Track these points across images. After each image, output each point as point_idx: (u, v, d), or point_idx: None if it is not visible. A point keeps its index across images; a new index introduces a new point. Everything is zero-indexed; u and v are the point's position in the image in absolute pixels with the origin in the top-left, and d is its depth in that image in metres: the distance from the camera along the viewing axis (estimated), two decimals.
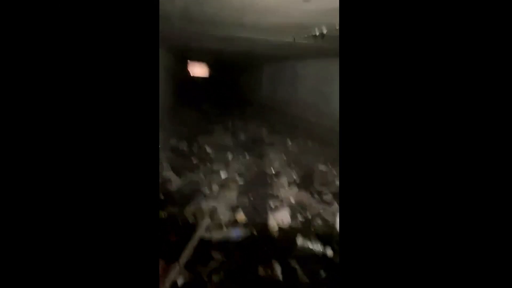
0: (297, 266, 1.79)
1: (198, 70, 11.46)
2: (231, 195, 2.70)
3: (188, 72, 11.04)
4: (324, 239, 2.08)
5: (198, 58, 9.01)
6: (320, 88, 4.96)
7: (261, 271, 1.72)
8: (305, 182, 3.15)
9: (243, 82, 9.85)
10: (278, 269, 1.74)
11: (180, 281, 1.57)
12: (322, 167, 3.65)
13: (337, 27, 2.04)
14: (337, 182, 3.18)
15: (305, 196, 2.77)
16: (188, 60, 10.05)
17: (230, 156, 3.86)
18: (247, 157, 3.91)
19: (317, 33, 2.35)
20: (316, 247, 1.93)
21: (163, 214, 2.25)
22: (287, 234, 2.16)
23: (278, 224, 2.22)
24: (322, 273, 1.74)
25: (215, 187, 2.83)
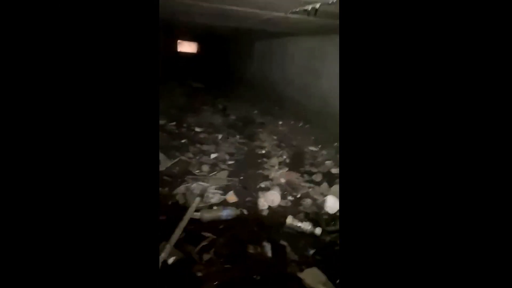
0: (286, 244, 1.83)
1: (186, 46, 11.05)
2: (221, 175, 2.70)
3: (176, 48, 10.63)
4: (313, 218, 2.13)
5: (186, 33, 8.67)
6: (311, 67, 4.88)
7: (250, 249, 1.75)
8: (295, 163, 3.17)
9: (233, 60, 9.60)
10: (267, 247, 1.78)
11: (170, 260, 1.58)
12: (312, 147, 3.68)
13: (330, 2, 1.95)
14: (326, 163, 3.22)
15: (294, 176, 2.80)
16: (176, 35, 9.66)
17: (220, 136, 3.83)
18: (237, 137, 3.88)
19: (309, 8, 2.27)
20: (305, 225, 1.97)
21: None
22: (277, 213, 2.19)
23: (268, 204, 2.25)
24: (310, 251, 1.79)
25: (205, 168, 2.81)
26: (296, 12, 2.65)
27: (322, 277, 1.54)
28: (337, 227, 2.01)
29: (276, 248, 1.79)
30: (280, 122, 4.76)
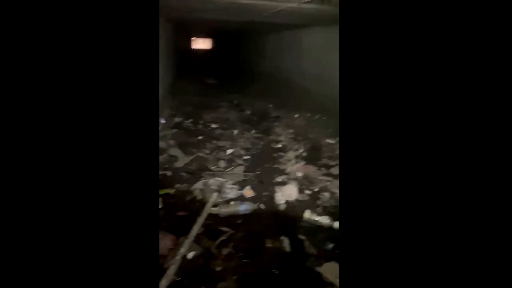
0: (304, 238, 1.82)
1: (200, 43, 11.12)
2: (238, 171, 2.71)
3: (190, 44, 10.73)
4: (331, 212, 2.09)
5: (200, 30, 8.71)
6: (326, 57, 4.76)
7: (268, 243, 1.75)
8: (312, 156, 3.12)
9: (246, 55, 9.55)
10: (285, 242, 1.77)
11: (190, 255, 1.61)
12: (329, 140, 3.61)
13: None
14: None
15: (312, 170, 2.76)
16: (190, 33, 9.74)
17: (235, 131, 3.83)
18: (253, 132, 3.87)
19: None
20: (323, 219, 1.94)
21: (171, 191, 2.28)
22: (294, 207, 2.17)
23: (285, 198, 2.24)
24: (329, 245, 1.76)
25: (221, 163, 2.83)
26: (309, 2, 2.58)
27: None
28: None
29: (294, 242, 1.78)
30: (296, 115, 4.70)
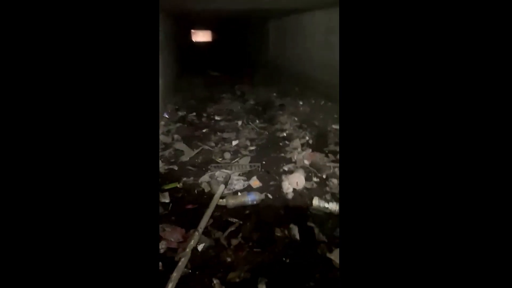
0: (313, 226, 1.80)
1: (201, 35, 11.00)
2: (244, 162, 2.70)
3: (191, 38, 10.63)
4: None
5: (200, 22, 8.60)
6: (330, 41, 4.64)
7: (278, 232, 1.75)
8: (319, 143, 3.08)
9: (248, 44, 9.41)
10: (295, 230, 1.76)
11: (200, 247, 1.62)
12: (335, 126, 3.55)
13: None
14: None
15: (318, 157, 2.73)
16: (190, 25, 9.62)
17: (240, 122, 3.81)
18: (258, 122, 3.84)
19: None
20: (332, 206, 1.92)
21: (178, 185, 2.29)
22: (302, 195, 2.16)
23: (292, 187, 2.22)
24: (339, 231, 1.75)
25: (227, 155, 2.82)
26: None
27: None
28: None
29: (304, 230, 1.77)
30: (301, 103, 4.64)
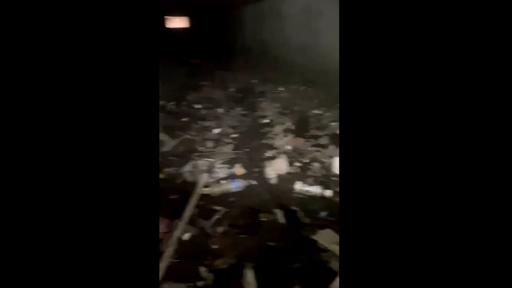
0: (297, 209, 1.84)
1: (177, 21, 10.58)
2: (227, 150, 2.68)
3: (165, 24, 10.21)
4: (322, 181, 2.12)
5: (175, 7, 8.25)
6: (308, 25, 4.62)
7: (263, 217, 1.77)
8: (300, 128, 3.11)
9: (226, 28, 9.19)
10: (279, 214, 1.79)
11: (185, 236, 1.61)
12: (315, 111, 3.59)
13: None
14: (332, 124, 3.15)
15: (300, 142, 2.76)
16: (165, 11, 9.22)
17: (220, 110, 3.76)
18: (238, 109, 3.80)
19: None
20: (315, 189, 1.97)
21: (161, 175, 2.24)
22: (286, 180, 2.18)
23: (275, 172, 2.24)
24: (322, 213, 1.80)
25: (209, 143, 2.79)
26: None
27: (336, 237, 1.56)
28: None
29: (288, 214, 1.80)
30: (281, 88, 4.63)
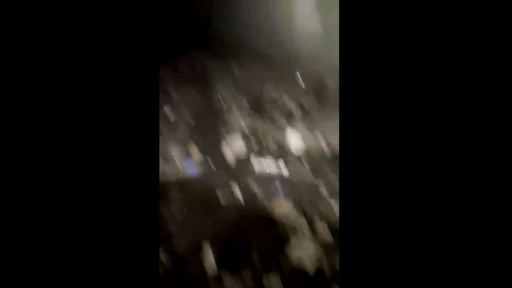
0: (255, 189, 1.91)
1: None
2: (182, 134, 2.62)
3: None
4: (277, 157, 2.20)
5: None
6: (265, 6, 4.52)
7: (221, 198, 1.81)
8: (256, 108, 3.14)
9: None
10: (238, 194, 1.84)
11: None
12: (271, 91, 3.63)
13: None
14: (287, 103, 3.22)
15: (257, 122, 2.80)
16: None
17: (174, 93, 3.61)
18: (193, 91, 3.69)
19: None
20: (270, 166, 2.04)
21: None
22: (244, 161, 2.23)
23: (233, 153, 2.26)
24: (280, 192, 1.89)
25: (164, 129, 2.69)
26: None
27: (287, 206, 1.67)
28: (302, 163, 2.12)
29: (246, 194, 1.86)
30: (236, 69, 4.57)
